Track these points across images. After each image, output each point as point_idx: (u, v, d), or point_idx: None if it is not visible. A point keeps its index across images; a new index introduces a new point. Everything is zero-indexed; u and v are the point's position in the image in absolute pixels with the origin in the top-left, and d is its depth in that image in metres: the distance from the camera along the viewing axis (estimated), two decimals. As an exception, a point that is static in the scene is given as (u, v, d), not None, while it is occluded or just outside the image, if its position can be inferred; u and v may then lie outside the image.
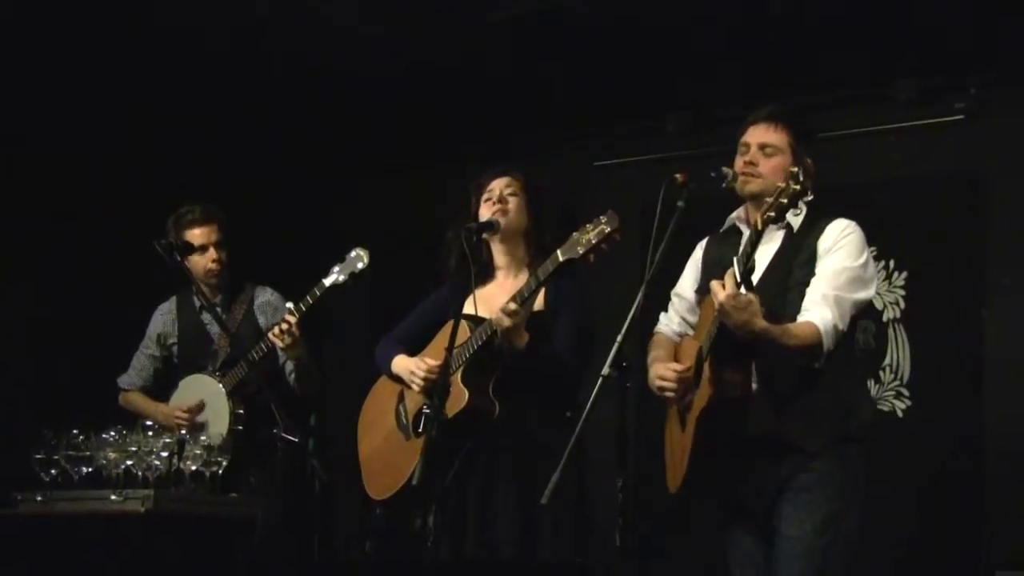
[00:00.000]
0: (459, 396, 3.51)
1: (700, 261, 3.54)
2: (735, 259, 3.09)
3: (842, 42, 5.02)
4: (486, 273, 3.77)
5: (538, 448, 3.43)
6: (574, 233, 3.42)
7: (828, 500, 3.19)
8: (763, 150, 3.36)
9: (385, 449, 3.76)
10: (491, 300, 3.60)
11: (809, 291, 3.24)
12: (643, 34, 5.09)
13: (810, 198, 3.08)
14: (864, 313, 3.42)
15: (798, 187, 3.01)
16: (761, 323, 3.09)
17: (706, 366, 3.19)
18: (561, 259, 3.42)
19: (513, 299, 3.48)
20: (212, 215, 4.48)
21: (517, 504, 3.49)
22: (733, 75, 5.21)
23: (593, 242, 3.36)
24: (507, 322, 3.44)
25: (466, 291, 3.62)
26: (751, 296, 3.06)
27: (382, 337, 3.90)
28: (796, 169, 3.06)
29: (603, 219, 3.37)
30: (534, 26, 5.07)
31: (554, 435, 3.26)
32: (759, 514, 3.26)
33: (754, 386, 3.20)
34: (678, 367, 3.34)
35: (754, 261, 3.10)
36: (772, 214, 3.04)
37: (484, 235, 3.69)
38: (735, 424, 3.19)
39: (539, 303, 3.63)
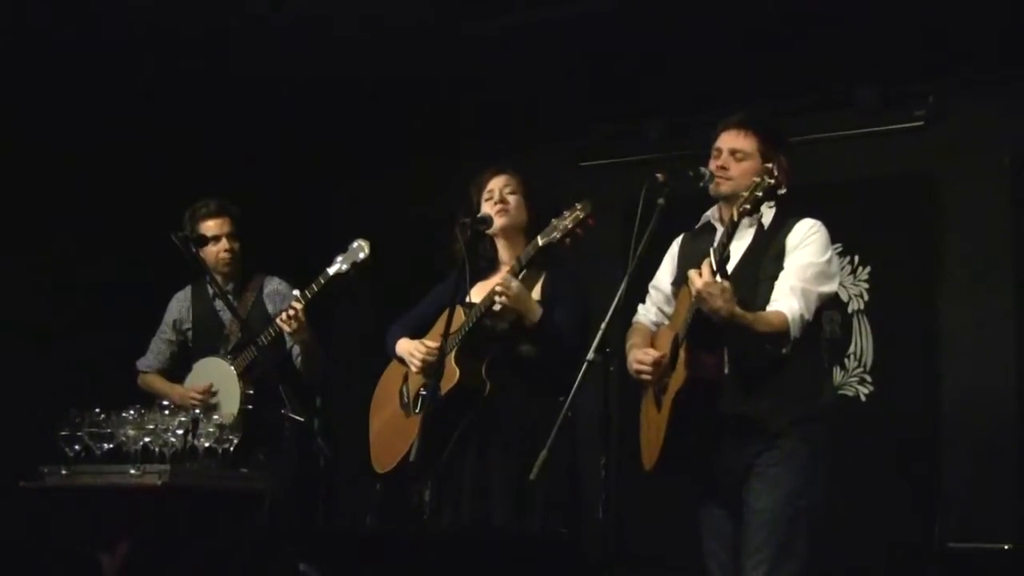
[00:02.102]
0: (451, 375, 3.53)
1: (676, 256, 3.57)
2: (711, 249, 3.12)
3: (810, 53, 5.05)
4: (492, 267, 3.79)
5: (530, 426, 3.44)
6: (552, 220, 3.47)
7: (793, 475, 3.21)
8: (734, 155, 3.39)
9: (389, 426, 3.78)
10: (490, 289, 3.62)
11: (778, 284, 3.27)
12: (626, 45, 5.12)
13: (783, 191, 3.11)
14: (830, 305, 3.45)
15: (772, 181, 3.04)
16: (735, 308, 3.12)
17: (682, 350, 3.21)
18: (541, 243, 3.48)
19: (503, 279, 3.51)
20: (225, 208, 4.49)
21: (510, 480, 3.49)
22: (708, 83, 5.24)
23: (569, 227, 3.42)
24: (510, 292, 3.46)
25: (466, 280, 3.64)
26: (726, 283, 3.10)
27: (391, 322, 3.92)
28: (771, 165, 3.09)
29: (578, 206, 3.43)
30: (526, 36, 5.08)
31: (546, 415, 3.27)
32: (729, 488, 3.29)
33: (726, 370, 3.22)
34: (654, 353, 3.35)
35: (729, 251, 3.13)
36: (748, 206, 3.07)
37: (480, 228, 3.71)
38: (708, 404, 3.21)
39: (536, 293, 3.65)
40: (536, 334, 3.54)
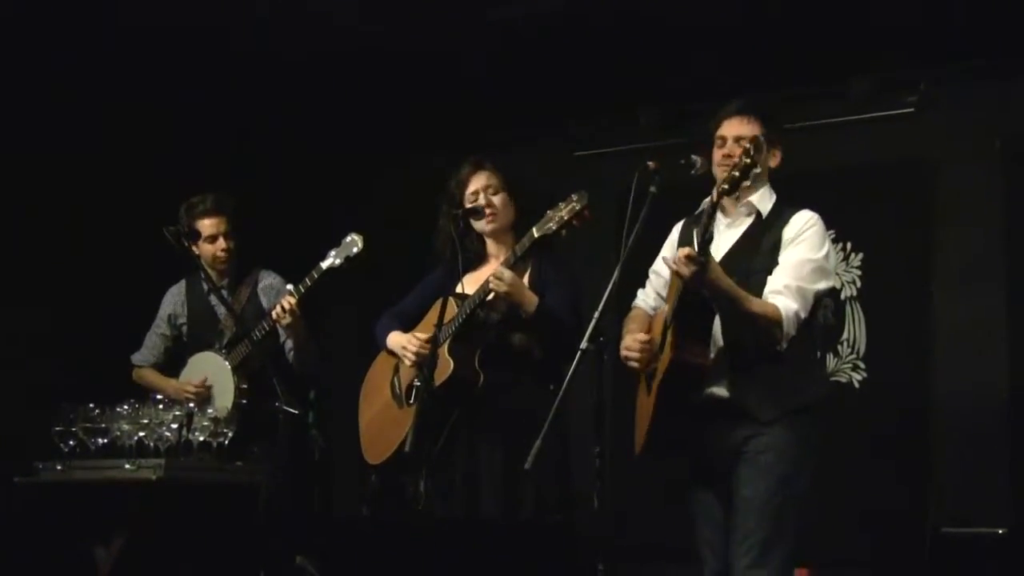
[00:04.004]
0: (445, 366, 3.52)
1: (676, 240, 3.54)
2: (694, 231, 3.08)
3: (802, 40, 5.03)
4: (481, 259, 3.76)
5: (522, 417, 3.42)
6: (548, 211, 3.44)
7: (782, 463, 3.19)
8: (738, 142, 3.34)
9: (381, 418, 3.77)
10: (482, 281, 3.59)
11: (772, 280, 3.23)
12: (619, 37, 5.10)
13: (758, 171, 3.07)
14: (825, 297, 3.41)
15: (748, 160, 3.00)
16: (720, 278, 3.08)
17: (669, 333, 3.19)
18: (536, 235, 3.45)
19: (502, 264, 3.49)
20: (222, 206, 4.45)
21: (502, 469, 3.49)
22: (701, 73, 5.22)
23: (565, 219, 3.40)
24: (503, 287, 3.43)
25: (457, 272, 3.61)
26: (708, 254, 3.07)
27: (382, 312, 3.89)
28: (748, 145, 3.06)
29: (574, 197, 3.41)
30: (520, 28, 5.07)
31: (539, 404, 3.25)
32: (720, 474, 3.27)
33: (711, 355, 3.19)
34: (642, 337, 3.33)
35: (712, 233, 3.08)
36: (726, 187, 3.03)
37: (471, 220, 3.68)
38: (693, 388, 3.19)
39: (526, 280, 3.63)
40: (535, 323, 3.52)
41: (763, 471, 3.18)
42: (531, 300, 3.52)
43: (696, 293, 3.11)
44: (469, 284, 3.62)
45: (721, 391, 3.22)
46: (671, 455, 3.35)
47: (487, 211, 3.67)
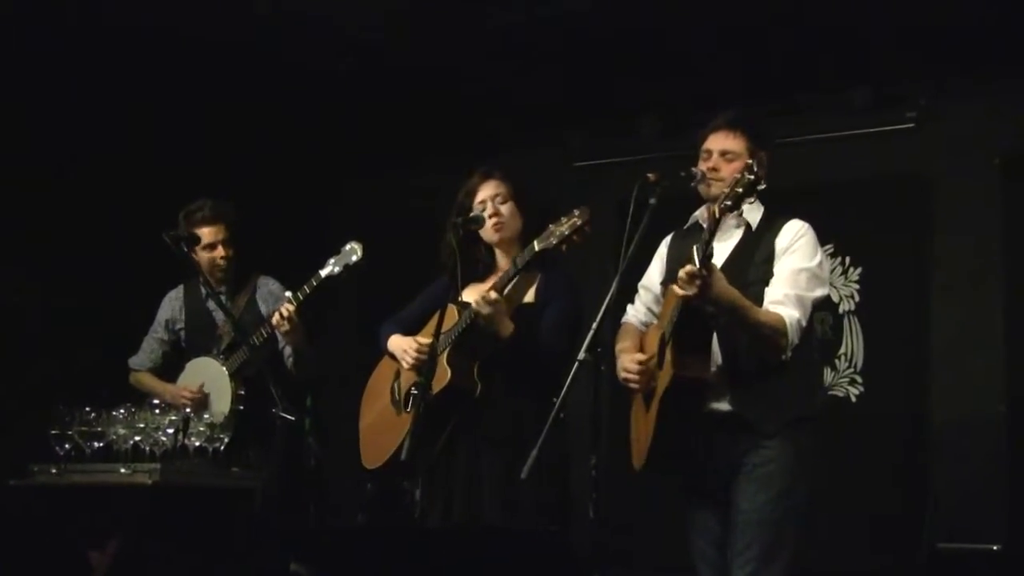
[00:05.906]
0: (443, 375, 3.52)
1: (665, 255, 3.55)
2: (695, 247, 3.10)
3: (803, 53, 5.06)
4: (489, 269, 3.76)
5: (521, 426, 3.43)
6: (550, 225, 3.44)
7: (781, 476, 3.20)
8: (724, 156, 3.36)
9: (379, 422, 3.77)
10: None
11: (771, 291, 3.24)
12: (618, 47, 5.12)
13: (763, 187, 3.09)
14: (821, 306, 3.44)
15: (752, 177, 3.01)
16: (728, 289, 3.10)
17: (668, 350, 3.19)
18: (537, 248, 3.45)
19: (492, 288, 3.49)
20: (221, 213, 4.45)
21: (500, 479, 3.48)
22: (701, 83, 5.24)
23: (566, 234, 3.39)
24: (486, 309, 3.45)
25: (457, 280, 3.62)
26: (713, 267, 3.08)
27: (384, 320, 3.91)
28: (751, 161, 3.07)
29: (576, 212, 3.40)
30: (520, 35, 5.08)
31: (538, 416, 3.25)
32: (717, 488, 3.28)
33: (712, 369, 3.20)
34: (641, 357, 3.32)
35: (712, 248, 3.08)
36: (729, 203, 3.03)
37: (472, 228, 3.68)
38: (695, 403, 3.20)
39: (530, 295, 3.62)
40: (511, 347, 3.52)
41: (763, 484, 3.19)
42: (506, 328, 3.50)
43: (697, 308, 3.12)
44: (471, 293, 3.63)
45: (722, 405, 3.23)
46: (674, 471, 3.35)
47: (494, 219, 3.67)
